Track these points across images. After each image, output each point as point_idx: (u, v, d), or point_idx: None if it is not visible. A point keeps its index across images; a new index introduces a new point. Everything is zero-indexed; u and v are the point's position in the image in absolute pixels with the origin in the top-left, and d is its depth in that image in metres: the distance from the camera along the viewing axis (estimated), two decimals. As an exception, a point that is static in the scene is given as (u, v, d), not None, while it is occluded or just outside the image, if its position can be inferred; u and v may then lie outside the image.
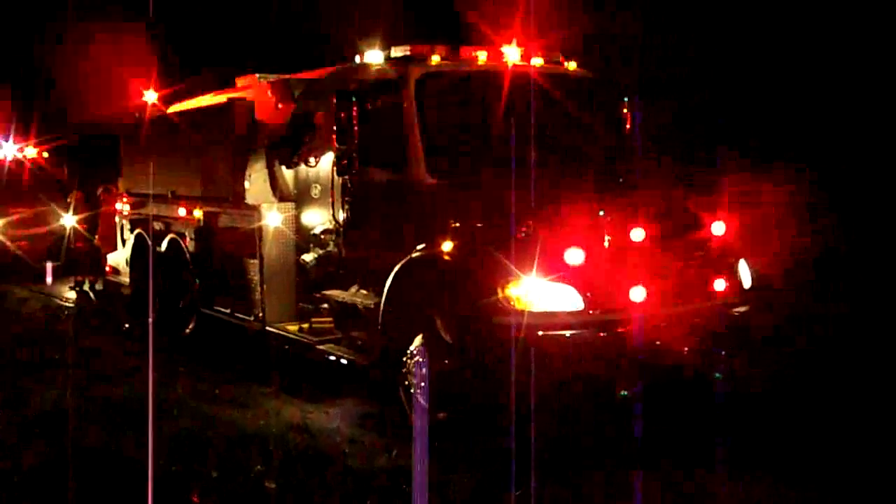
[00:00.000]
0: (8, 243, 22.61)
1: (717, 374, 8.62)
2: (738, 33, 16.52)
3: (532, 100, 9.42)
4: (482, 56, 9.94)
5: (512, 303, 7.97)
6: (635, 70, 15.19)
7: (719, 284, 8.77)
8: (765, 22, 16.48)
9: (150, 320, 14.11)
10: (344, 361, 9.90)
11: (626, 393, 8.18)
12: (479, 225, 8.60)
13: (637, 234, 8.25)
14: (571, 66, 10.52)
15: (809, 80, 15.96)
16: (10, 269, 22.18)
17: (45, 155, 25.40)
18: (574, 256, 8.03)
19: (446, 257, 8.57)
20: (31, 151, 24.81)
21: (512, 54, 10.02)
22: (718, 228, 8.97)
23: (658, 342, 8.25)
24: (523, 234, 8.21)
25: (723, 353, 8.64)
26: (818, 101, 15.69)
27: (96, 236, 17.75)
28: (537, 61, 10.19)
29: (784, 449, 8.26)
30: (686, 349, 8.37)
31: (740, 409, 8.73)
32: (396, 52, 9.79)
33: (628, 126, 10.63)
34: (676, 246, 8.67)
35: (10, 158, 24.59)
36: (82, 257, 18.47)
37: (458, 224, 8.69)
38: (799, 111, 15.76)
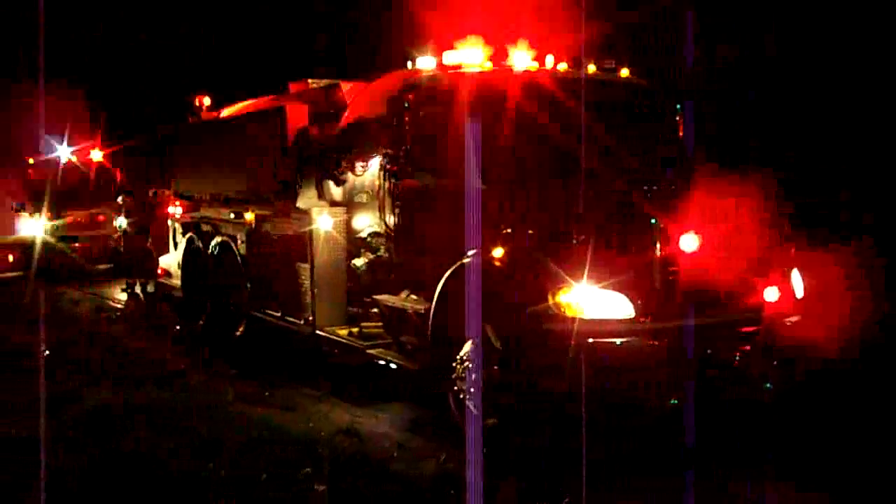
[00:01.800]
0: (62, 245, 22.88)
1: (767, 384, 8.55)
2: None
3: (584, 107, 9.38)
4: (532, 62, 9.93)
5: (562, 310, 7.95)
6: (685, 75, 15.08)
7: (771, 294, 8.69)
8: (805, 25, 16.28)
9: (201, 323, 14.27)
10: (393, 366, 9.92)
11: (676, 401, 8.13)
12: (530, 231, 8.59)
13: (688, 242, 8.19)
14: (624, 72, 10.49)
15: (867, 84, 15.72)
16: (63, 270, 22.44)
17: (99, 158, 25.66)
18: (625, 264, 8.00)
19: (497, 263, 8.56)
20: (96, 155, 25.06)
21: (561, 60, 10.01)
22: (771, 238, 8.89)
23: (709, 350, 8.20)
24: (574, 241, 8.19)
25: (773, 362, 8.56)
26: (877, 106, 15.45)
27: (148, 239, 17.89)
28: (590, 68, 10.17)
29: (832, 461, 8.18)
30: (736, 358, 8.32)
31: (790, 420, 8.66)
32: (448, 58, 9.80)
33: (681, 133, 10.58)
34: (728, 254, 8.60)
35: (63, 161, 24.85)
36: (134, 260, 18.63)
37: (509, 230, 8.67)
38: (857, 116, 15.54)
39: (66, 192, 23.80)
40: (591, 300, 7.91)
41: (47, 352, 12.57)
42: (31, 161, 25.75)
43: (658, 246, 8.20)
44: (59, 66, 26.96)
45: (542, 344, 8.01)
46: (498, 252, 8.57)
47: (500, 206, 8.88)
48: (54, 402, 10.19)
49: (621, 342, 7.92)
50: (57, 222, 23.57)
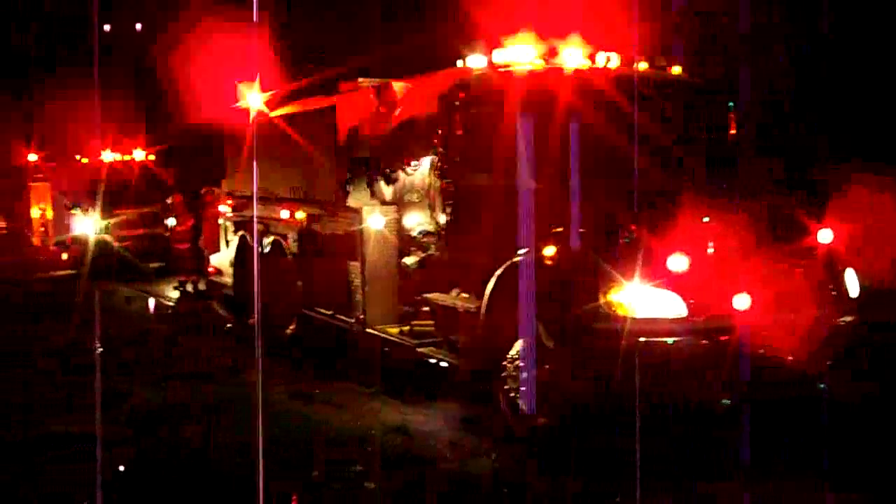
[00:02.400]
0: (114, 243, 23.08)
1: (821, 385, 8.47)
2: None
3: (636, 105, 9.35)
4: (584, 59, 9.89)
5: (614, 309, 7.92)
6: (735, 71, 14.95)
7: (825, 293, 8.61)
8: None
9: (253, 321, 14.34)
10: (444, 365, 9.93)
11: (728, 402, 8.08)
12: (581, 230, 8.56)
13: (742, 241, 8.13)
14: (676, 70, 10.43)
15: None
16: (115, 268, 22.62)
17: (152, 157, 25.89)
18: (677, 263, 7.94)
19: (548, 262, 8.55)
20: (139, 154, 25.30)
21: (613, 58, 9.97)
22: (826, 236, 8.80)
23: (761, 351, 8.11)
24: (626, 240, 8.17)
25: (827, 363, 8.47)
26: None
27: (200, 237, 18.01)
28: (642, 66, 10.12)
29: (888, 464, 8.09)
30: (790, 358, 8.24)
31: (844, 421, 8.56)
32: (498, 56, 9.79)
33: (733, 131, 10.51)
34: (782, 253, 8.52)
35: (117, 160, 25.11)
36: (186, 258, 18.77)
37: (560, 229, 8.65)
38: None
39: (119, 191, 24.02)
40: (642, 299, 7.87)
41: (100, 349, 12.68)
42: (84, 160, 26.01)
43: (711, 244, 8.15)
44: (110, 65, 27.32)
45: (593, 343, 7.98)
46: (549, 251, 8.57)
47: (551, 205, 8.85)
48: (108, 399, 10.27)
49: (673, 341, 7.89)
50: (109, 221, 23.79)
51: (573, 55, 9.87)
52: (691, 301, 7.93)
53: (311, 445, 8.95)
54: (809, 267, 8.63)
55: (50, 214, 27.76)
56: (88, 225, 23.77)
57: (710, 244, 8.17)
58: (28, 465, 8.41)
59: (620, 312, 7.89)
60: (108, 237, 23.39)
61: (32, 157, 28.04)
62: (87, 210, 24.24)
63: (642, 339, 7.78)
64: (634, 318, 7.83)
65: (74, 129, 26.23)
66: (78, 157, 26.01)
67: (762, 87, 15.24)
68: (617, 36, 10.37)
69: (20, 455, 8.71)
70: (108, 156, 25.46)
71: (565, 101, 9.36)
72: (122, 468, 8.32)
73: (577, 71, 9.81)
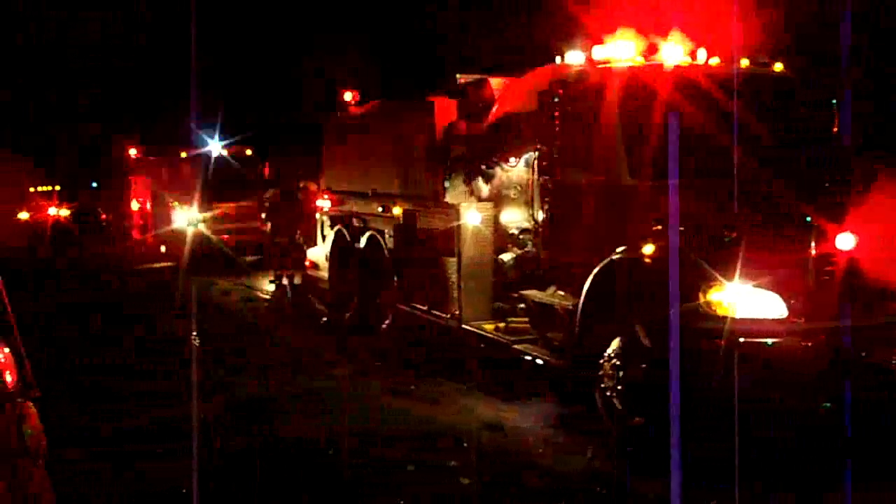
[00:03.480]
0: (212, 237, 23.43)
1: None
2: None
3: (736, 102, 9.23)
4: (684, 56, 9.81)
5: (714, 308, 7.84)
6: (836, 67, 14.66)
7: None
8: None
9: (348, 315, 14.46)
10: (539, 362, 9.91)
11: (829, 405, 7.94)
12: (681, 228, 8.48)
13: (844, 241, 7.98)
14: (777, 67, 10.28)
15: None
16: (213, 261, 22.96)
17: (249, 153, 26.21)
18: (779, 262, 7.83)
19: (647, 260, 8.49)
20: (237, 148, 25.60)
21: (714, 55, 9.86)
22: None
23: (864, 353, 7.97)
24: (727, 239, 8.07)
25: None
26: None
27: (297, 231, 18.19)
28: (743, 62, 9.99)
29: None
30: (894, 361, 8.07)
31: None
32: (597, 52, 9.74)
33: (835, 128, 10.32)
34: (885, 253, 8.34)
35: (215, 155, 25.44)
36: (282, 252, 18.96)
37: (659, 227, 8.58)
38: None
39: (217, 185, 24.36)
40: (743, 299, 7.77)
41: (198, 340, 12.88)
42: (183, 154, 26.41)
43: (813, 244, 8.01)
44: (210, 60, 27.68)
45: (692, 343, 7.89)
46: (648, 249, 8.49)
47: (650, 203, 8.79)
48: (206, 390, 10.44)
49: (773, 342, 7.77)
50: (207, 214, 24.14)
51: (673, 52, 9.79)
52: (793, 301, 7.80)
53: (405, 439, 8.99)
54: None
55: (149, 208, 28.21)
56: (187, 218, 24.18)
57: (813, 244, 8.01)
58: (127, 455, 8.55)
59: (720, 312, 7.80)
60: (205, 230, 23.76)
61: (133, 151, 28.53)
62: (185, 204, 24.64)
63: (742, 339, 7.69)
64: (734, 319, 7.73)
65: (174, 122, 26.69)
66: (178, 150, 26.40)
67: (865, 83, 14.93)
68: (718, 33, 10.25)
69: (119, 445, 8.86)
70: (206, 149, 25.82)
71: (664, 97, 9.28)
72: (220, 458, 8.42)
73: (676, 67, 9.72)
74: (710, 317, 7.83)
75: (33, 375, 4.99)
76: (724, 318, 7.75)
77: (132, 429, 9.30)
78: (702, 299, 7.87)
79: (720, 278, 7.81)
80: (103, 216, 38.11)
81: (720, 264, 7.84)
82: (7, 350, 4.73)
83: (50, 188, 49.54)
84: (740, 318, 7.74)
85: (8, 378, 4.63)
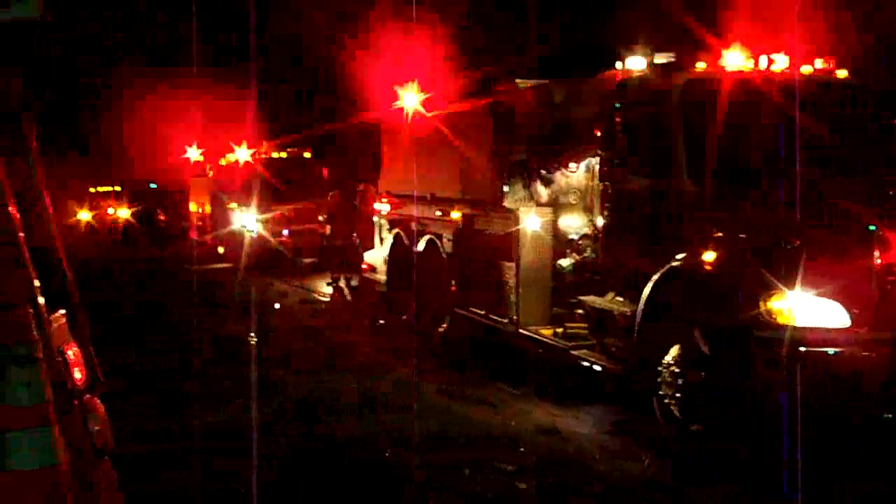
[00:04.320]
0: (270, 239, 23.60)
1: None
2: None
3: (799, 108, 9.16)
4: (746, 62, 9.75)
5: (774, 317, 7.77)
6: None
7: None
8: None
9: (405, 318, 14.50)
10: (597, 368, 9.88)
11: (890, 416, 7.86)
12: (741, 235, 8.43)
13: (908, 252, 7.90)
14: (841, 73, 10.18)
15: None
16: (270, 263, 23.13)
17: (307, 155, 26.36)
18: (841, 271, 7.76)
19: (707, 267, 8.44)
20: (295, 151, 25.76)
21: (778, 61, 9.79)
22: None
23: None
24: (788, 246, 8.01)
25: None
26: None
27: (354, 234, 18.28)
28: (806, 69, 9.92)
29: None
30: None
31: None
32: (660, 58, 9.72)
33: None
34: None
35: (274, 157, 25.63)
36: (340, 254, 19.07)
37: (720, 234, 8.54)
38: None
39: (276, 187, 24.53)
40: (804, 308, 7.70)
41: (255, 341, 12.99)
42: (243, 157, 26.58)
43: (877, 253, 7.93)
44: (269, 63, 27.88)
45: (752, 351, 7.85)
46: (708, 256, 8.45)
47: (711, 210, 8.75)
48: (263, 389, 10.53)
49: (835, 352, 7.69)
50: (266, 216, 24.32)
51: (735, 58, 9.74)
52: (855, 311, 7.71)
53: (461, 442, 9.00)
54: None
55: (208, 209, 28.48)
56: (245, 220, 24.36)
57: (877, 252, 7.93)
58: (187, 453, 8.63)
59: (781, 321, 7.73)
60: (263, 232, 23.95)
61: (192, 153, 28.82)
62: (244, 206, 24.84)
63: (803, 348, 7.62)
64: (795, 327, 7.67)
65: (233, 125, 26.90)
66: (239, 153, 26.62)
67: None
68: (781, 39, 10.19)
69: (179, 443, 8.95)
70: (265, 152, 26.02)
71: (725, 103, 9.24)
72: (277, 458, 8.47)
73: (738, 73, 9.67)
74: (770, 325, 7.76)
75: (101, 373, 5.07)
76: (785, 326, 7.68)
77: (192, 427, 9.37)
78: (762, 307, 7.80)
79: (781, 286, 7.75)
80: (162, 217, 38.54)
81: (781, 272, 7.78)
82: (77, 348, 4.80)
83: (110, 188, 50.24)
84: (801, 327, 7.67)
85: (77, 375, 4.69)
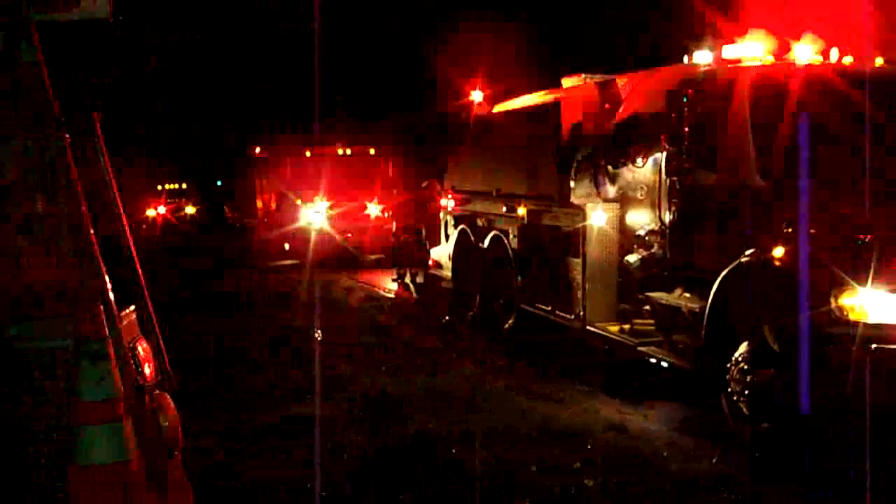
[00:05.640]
0: (336, 235, 23.72)
1: None
2: None
3: (870, 102, 9.04)
4: (816, 56, 9.64)
5: (845, 313, 7.65)
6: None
7: None
8: None
9: (471, 314, 14.51)
10: (665, 364, 9.81)
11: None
12: (812, 231, 8.32)
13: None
14: (913, 65, 10.04)
15: None
16: (336, 259, 23.24)
17: (372, 151, 26.45)
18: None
19: (777, 263, 8.34)
20: (362, 148, 25.90)
21: (847, 54, 9.68)
22: None
23: None
24: (860, 242, 7.89)
25: None
26: None
27: (421, 230, 18.30)
28: (877, 61, 9.80)
29: None
30: None
31: None
32: (727, 51, 9.63)
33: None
34: None
35: (340, 154, 25.75)
36: (406, 250, 19.10)
37: (790, 229, 8.43)
38: None
39: (341, 184, 24.65)
40: (876, 304, 7.58)
41: (320, 336, 13.06)
42: (308, 153, 26.71)
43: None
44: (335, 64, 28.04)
45: (822, 348, 7.74)
46: (778, 252, 8.35)
47: (780, 205, 8.65)
48: (329, 385, 10.60)
49: None
50: (332, 212, 24.45)
51: (804, 51, 9.64)
52: (929, 307, 7.59)
53: (529, 438, 8.98)
54: None
55: (274, 206, 28.62)
56: (311, 216, 24.50)
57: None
58: (253, 448, 8.71)
59: (852, 317, 7.61)
60: (329, 229, 24.07)
61: (258, 150, 29.01)
62: (309, 202, 24.96)
63: (874, 346, 7.50)
64: (867, 324, 7.54)
65: (301, 121, 27.08)
66: (303, 149, 26.76)
67: None
68: (851, 32, 10.06)
69: (245, 438, 9.02)
70: (338, 149, 26.15)
71: (795, 97, 9.14)
72: (343, 454, 8.52)
73: (808, 66, 9.58)
74: (841, 322, 7.65)
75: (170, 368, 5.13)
76: (856, 323, 7.56)
77: (258, 422, 9.45)
78: (833, 304, 7.69)
79: (852, 282, 7.63)
80: (229, 214, 38.84)
81: (852, 268, 7.65)
82: (146, 344, 4.86)
83: (177, 186, 50.85)
84: (873, 324, 7.54)
85: (147, 371, 4.75)
